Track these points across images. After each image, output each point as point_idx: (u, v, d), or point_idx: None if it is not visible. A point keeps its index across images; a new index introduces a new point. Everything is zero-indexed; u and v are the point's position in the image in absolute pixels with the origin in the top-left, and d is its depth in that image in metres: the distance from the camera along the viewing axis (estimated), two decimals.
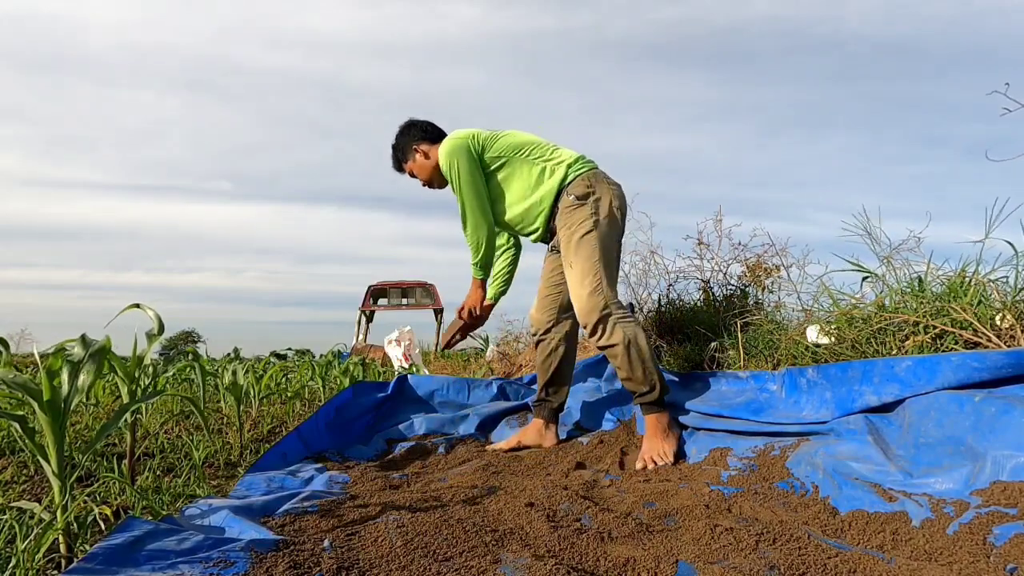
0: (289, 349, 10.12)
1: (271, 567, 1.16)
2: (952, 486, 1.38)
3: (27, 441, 1.17)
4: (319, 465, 2.47)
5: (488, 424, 3.25)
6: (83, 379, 1.31)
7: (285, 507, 1.69)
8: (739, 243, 3.74)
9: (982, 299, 1.75)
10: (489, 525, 1.51)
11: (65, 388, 1.28)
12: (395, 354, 8.24)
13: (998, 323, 1.63)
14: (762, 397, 2.30)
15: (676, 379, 2.85)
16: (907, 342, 1.84)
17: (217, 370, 4.19)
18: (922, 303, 1.86)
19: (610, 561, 1.26)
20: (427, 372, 8.33)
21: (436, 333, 17.93)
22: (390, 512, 1.56)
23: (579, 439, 2.89)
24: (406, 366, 8.13)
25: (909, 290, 2.03)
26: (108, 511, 1.47)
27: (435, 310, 18.45)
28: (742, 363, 2.69)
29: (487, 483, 2.13)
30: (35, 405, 1.20)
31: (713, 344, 2.92)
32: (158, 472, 2.34)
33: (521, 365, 6.46)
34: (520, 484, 2.02)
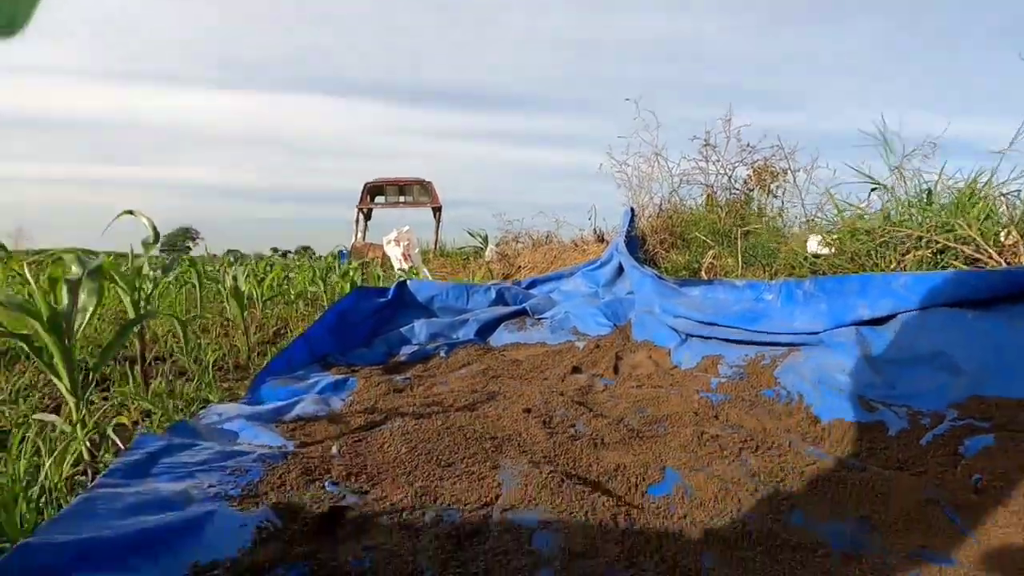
0: (288, 252, 10.09)
1: (284, 474, 1.24)
2: (932, 400, 1.45)
3: (39, 360, 1.20)
4: (325, 371, 2.57)
5: (487, 329, 3.33)
6: (83, 299, 1.31)
7: (295, 412, 1.77)
8: (747, 144, 3.62)
9: (990, 214, 1.71)
10: (488, 432, 1.59)
11: (65, 303, 1.28)
12: (394, 254, 8.26)
13: (1002, 239, 1.61)
14: (758, 307, 2.33)
15: (673, 286, 2.88)
16: (907, 256, 1.83)
17: (219, 271, 4.21)
18: (928, 216, 1.83)
19: (602, 467, 1.35)
20: (427, 273, 8.40)
21: (435, 232, 17.94)
22: (394, 418, 1.64)
23: (577, 343, 2.98)
24: (406, 267, 8.17)
25: (916, 203, 1.98)
26: (127, 420, 1.54)
27: (433, 208, 18.22)
28: (740, 272, 2.70)
29: (486, 388, 2.22)
30: (37, 325, 1.21)
31: (712, 252, 2.92)
32: (170, 377, 2.43)
33: (520, 267, 6.51)
34: (518, 389, 2.11)
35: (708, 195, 3.67)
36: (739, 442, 1.43)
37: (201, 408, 1.91)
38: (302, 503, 1.05)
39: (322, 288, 5.03)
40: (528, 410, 1.79)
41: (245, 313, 3.14)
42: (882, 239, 1.91)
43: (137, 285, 2.13)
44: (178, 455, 1.24)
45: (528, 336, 3.25)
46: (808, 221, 2.60)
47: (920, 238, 1.78)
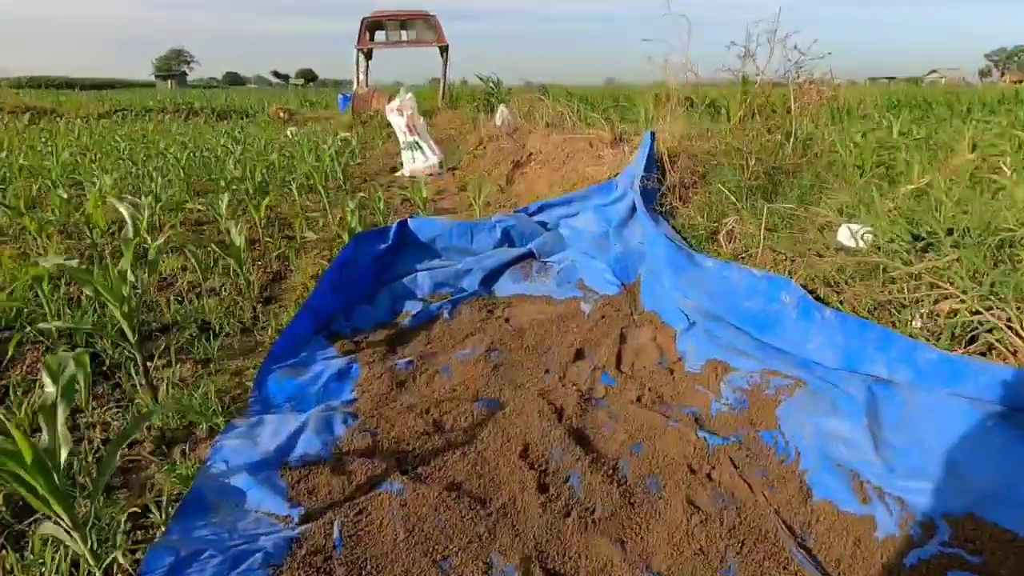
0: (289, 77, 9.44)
1: None
2: (927, 501, 1.43)
3: (32, 500, 1.22)
4: (330, 345, 2.59)
5: (491, 278, 3.25)
6: (60, 426, 1.29)
7: (298, 451, 1.83)
8: (796, 60, 3.10)
9: None
10: (484, 493, 1.65)
11: (46, 440, 1.27)
12: (398, 124, 7.76)
13: None
14: (771, 309, 2.22)
15: (687, 253, 2.71)
16: (940, 304, 1.67)
17: (219, 222, 4.00)
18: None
19: (592, 563, 1.41)
20: (433, 146, 7.95)
21: (442, 75, 16.48)
22: (393, 477, 1.68)
23: (582, 306, 2.91)
24: (410, 139, 7.73)
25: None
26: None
27: (440, 47, 16.51)
28: (760, 245, 2.51)
29: (488, 388, 2.24)
30: (23, 472, 1.21)
31: (732, 218, 2.68)
32: (174, 360, 2.46)
33: (531, 153, 6.10)
34: (519, 400, 2.12)
35: (738, 119, 3.26)
36: (726, 535, 1.46)
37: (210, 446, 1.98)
38: None
39: (322, 184, 4.83)
40: (525, 452, 1.82)
41: (244, 267, 3.07)
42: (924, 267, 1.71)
43: (126, 294, 2.06)
44: (187, 572, 1.32)
45: (533, 287, 3.18)
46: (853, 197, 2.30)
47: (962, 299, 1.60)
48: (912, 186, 2.23)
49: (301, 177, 5.39)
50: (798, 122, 3.05)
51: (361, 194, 4.87)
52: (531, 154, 6.15)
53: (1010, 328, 1.52)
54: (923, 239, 1.98)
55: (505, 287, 3.22)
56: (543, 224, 3.82)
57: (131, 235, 2.18)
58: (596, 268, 3.09)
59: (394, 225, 3.37)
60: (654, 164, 3.38)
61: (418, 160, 7.92)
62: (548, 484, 1.70)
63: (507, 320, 2.88)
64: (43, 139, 9.13)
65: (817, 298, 2.13)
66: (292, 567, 1.37)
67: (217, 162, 6.97)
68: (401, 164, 8.12)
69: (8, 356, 2.23)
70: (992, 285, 1.58)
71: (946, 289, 1.66)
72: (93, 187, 4.24)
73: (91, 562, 1.28)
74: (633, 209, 3.33)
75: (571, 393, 2.17)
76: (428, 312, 2.93)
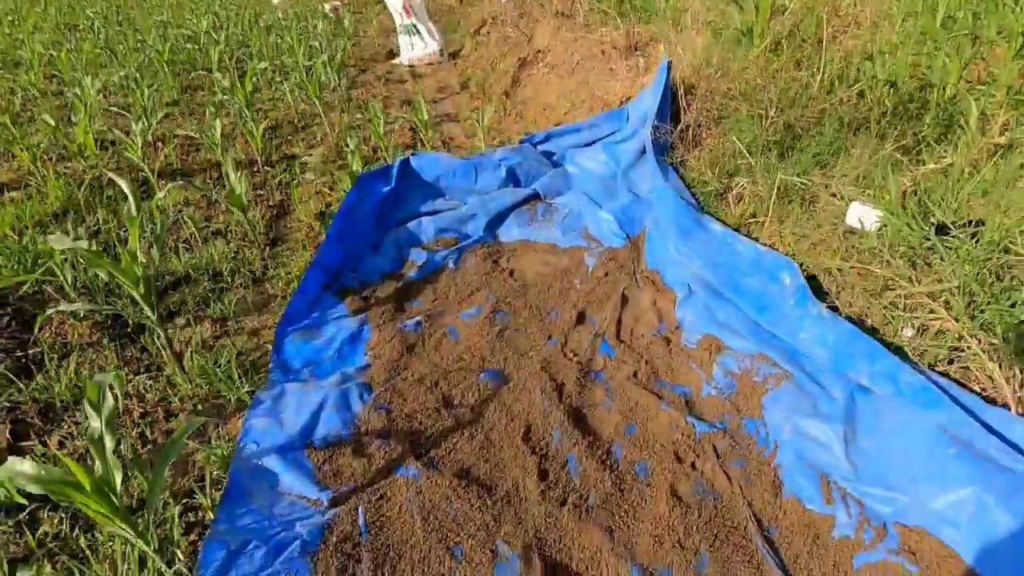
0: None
1: (325, 571, 1.55)
2: (884, 508, 1.61)
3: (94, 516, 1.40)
4: (341, 306, 2.67)
5: (496, 221, 3.23)
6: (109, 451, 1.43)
7: (320, 432, 2.00)
8: None
9: None
10: (489, 478, 1.84)
11: (100, 472, 1.42)
12: (394, 6, 7.08)
13: None
14: (771, 290, 2.26)
15: (695, 215, 2.67)
16: (932, 320, 1.71)
17: (215, 151, 3.83)
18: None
19: (583, 553, 1.64)
20: (431, 27, 7.31)
21: None
22: (408, 461, 1.87)
23: (587, 258, 2.93)
24: (407, 22, 7.10)
25: None
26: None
27: None
28: (769, 213, 2.48)
29: (493, 353, 2.37)
30: (82, 497, 1.37)
31: (743, 180, 2.60)
32: (193, 321, 2.58)
33: (539, 51, 5.64)
34: (522, 369, 2.26)
35: (762, 49, 2.98)
36: (703, 527, 1.67)
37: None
38: None
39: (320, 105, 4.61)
40: (527, 434, 1.99)
41: (249, 215, 3.05)
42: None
43: (140, 274, 2.11)
44: (239, 563, 1.55)
45: (538, 232, 3.19)
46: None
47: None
48: (933, 166, 2.14)
49: (294, 86, 5.08)
50: (829, 53, 2.80)
51: (358, 116, 4.64)
52: (539, 52, 5.70)
53: (990, 358, 1.59)
54: (929, 237, 1.96)
55: (510, 232, 3.22)
56: (549, 155, 3.71)
57: (134, 212, 2.17)
58: (602, 219, 3.06)
59: (396, 164, 3.28)
60: (668, 102, 3.19)
61: (416, 47, 7.36)
62: (548, 469, 1.89)
63: (511, 273, 2.93)
64: (9, 10, 8.43)
65: (816, 285, 2.17)
66: (326, 554, 1.60)
67: (202, 54, 6.51)
68: (398, 49, 7.56)
69: (36, 331, 2.34)
70: (983, 313, 1.62)
71: (940, 313, 1.71)
72: (79, 102, 4.05)
73: (158, 560, 1.49)
74: (642, 151, 3.21)
75: (572, 366, 2.30)
76: (434, 263, 2.97)
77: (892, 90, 3.20)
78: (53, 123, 3.74)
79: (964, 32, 3.39)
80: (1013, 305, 1.63)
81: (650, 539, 1.67)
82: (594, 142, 3.62)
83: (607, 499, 1.79)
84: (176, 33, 7.17)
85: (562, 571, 1.61)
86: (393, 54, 7.72)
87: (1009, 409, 1.57)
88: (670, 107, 3.22)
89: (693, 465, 1.88)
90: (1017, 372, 1.56)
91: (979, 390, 1.65)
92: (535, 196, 3.36)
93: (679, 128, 3.05)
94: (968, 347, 1.64)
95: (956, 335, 1.68)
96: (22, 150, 3.61)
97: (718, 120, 2.96)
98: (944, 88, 2.99)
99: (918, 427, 1.62)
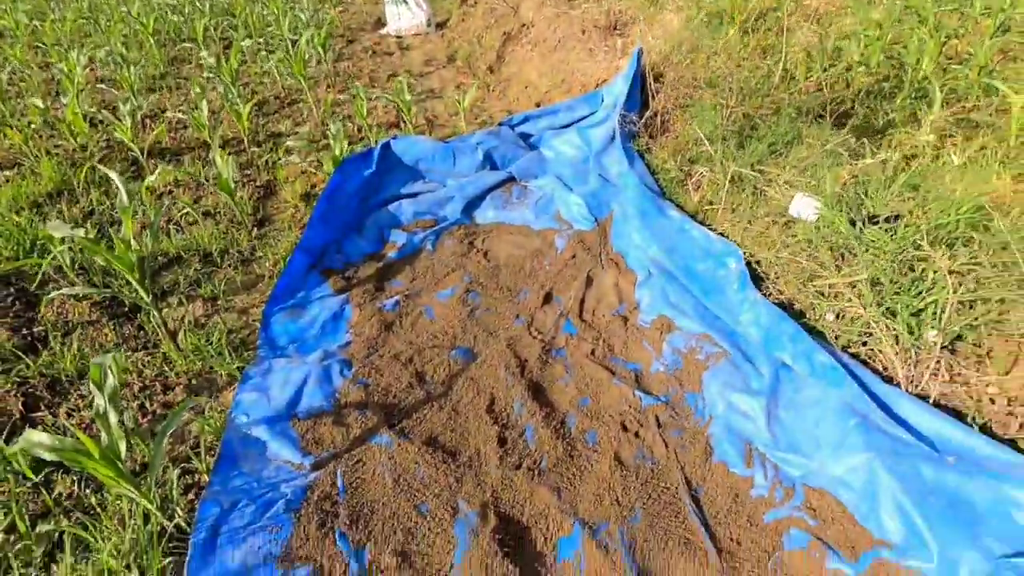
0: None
1: (306, 525, 1.78)
2: (795, 472, 1.84)
3: (103, 478, 1.61)
4: (324, 285, 2.85)
5: (472, 204, 3.39)
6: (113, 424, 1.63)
7: (304, 404, 2.21)
8: None
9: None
10: (455, 445, 2.07)
11: (105, 442, 1.63)
12: None
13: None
14: (718, 275, 2.45)
15: (658, 203, 2.84)
16: (848, 307, 1.90)
17: (204, 131, 3.92)
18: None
19: (533, 509, 1.87)
20: (422, 2, 7.25)
21: None
22: (382, 431, 2.09)
23: (557, 240, 3.11)
24: None
25: None
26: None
27: None
28: (722, 202, 2.65)
29: (465, 332, 2.57)
30: (89, 462, 1.58)
31: (702, 168, 2.76)
32: (186, 301, 2.76)
33: (524, 25, 5.66)
34: (490, 347, 2.46)
35: (729, 36, 3.09)
36: (639, 487, 1.90)
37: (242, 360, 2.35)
38: None
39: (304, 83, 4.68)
40: (491, 406, 2.21)
41: (237, 196, 3.20)
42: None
43: (134, 260, 2.28)
44: (230, 519, 1.78)
45: (513, 215, 3.35)
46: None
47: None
48: (869, 161, 2.30)
49: (278, 61, 5.12)
50: (793, 40, 2.92)
51: (343, 95, 4.71)
52: (524, 26, 5.72)
53: (891, 343, 1.79)
54: (860, 223, 2.14)
55: (486, 214, 3.38)
56: (527, 136, 3.83)
57: (125, 202, 2.32)
58: (572, 202, 3.22)
59: (378, 147, 3.41)
60: (639, 89, 3.31)
61: (404, 17, 7.31)
62: (507, 438, 2.11)
63: (486, 255, 3.11)
64: None
65: (759, 271, 2.36)
66: (308, 511, 1.83)
67: (187, 25, 6.48)
68: (386, 18, 7.51)
69: (41, 312, 2.52)
70: (888, 304, 1.81)
71: (853, 301, 1.90)
72: (67, 80, 4.12)
73: (159, 516, 1.72)
74: (613, 136, 3.35)
75: (535, 344, 2.51)
76: (413, 244, 3.14)
77: (865, 70, 3.34)
78: (42, 105, 3.82)
79: (951, 7, 3.50)
80: (919, 294, 1.82)
81: (592, 498, 1.90)
82: (570, 124, 3.75)
83: (558, 463, 2.02)
84: (160, 2, 7.10)
85: (514, 525, 1.85)
86: (381, 23, 7.68)
87: (900, 387, 1.78)
88: (640, 94, 3.34)
89: (637, 434, 2.11)
90: (913, 354, 1.77)
91: (881, 369, 1.87)
92: (511, 179, 3.51)
93: (647, 115, 3.18)
94: (874, 332, 1.84)
95: (865, 321, 1.88)
96: (13, 129, 3.71)
97: (684, 108, 3.09)
98: (919, 66, 3.12)
99: (827, 402, 1.84)
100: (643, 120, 3.17)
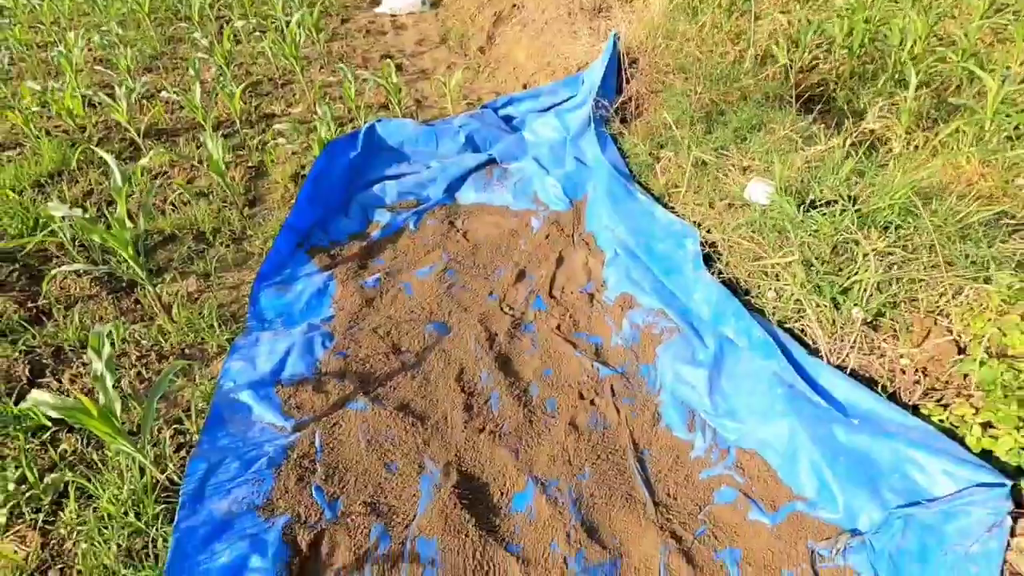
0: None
1: (286, 480, 1.98)
2: (730, 436, 2.02)
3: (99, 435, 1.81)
4: (310, 263, 3.01)
5: (454, 185, 3.53)
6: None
7: (288, 372, 2.40)
8: None
9: None
10: (423, 411, 2.25)
11: (102, 401, 1.81)
12: None
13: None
14: (677, 255, 2.60)
15: (628, 187, 2.97)
16: (785, 287, 2.05)
17: (197, 113, 4.04)
18: None
19: (493, 467, 2.06)
20: None
21: None
22: (357, 397, 2.28)
23: (533, 221, 3.25)
24: None
25: None
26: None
27: None
28: (685, 185, 2.78)
29: (440, 307, 2.74)
30: (88, 420, 1.77)
31: (668, 152, 2.88)
32: (180, 276, 2.93)
33: (515, 4, 5.70)
34: (463, 322, 2.63)
35: (702, 24, 3.18)
36: (590, 450, 2.09)
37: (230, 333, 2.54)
38: (296, 535, 1.83)
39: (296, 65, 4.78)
40: (460, 375, 2.39)
41: (228, 177, 3.35)
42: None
43: (128, 238, 2.45)
44: (217, 473, 1.97)
45: (493, 196, 3.49)
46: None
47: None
48: (821, 148, 2.42)
49: (272, 43, 5.20)
50: (764, 28, 3.01)
51: (334, 77, 4.80)
52: (515, 5, 5.77)
53: (817, 319, 1.94)
54: (810, 205, 2.28)
55: (467, 195, 3.52)
56: (510, 119, 3.95)
57: (119, 183, 2.48)
58: (549, 184, 3.36)
59: (363, 130, 3.55)
60: (614, 74, 3.41)
61: None
62: (473, 404, 2.29)
63: (465, 234, 3.26)
64: None
65: (711, 252, 2.50)
66: (288, 467, 2.03)
67: (184, 4, 6.55)
68: None
69: (44, 287, 2.69)
70: (817, 286, 1.96)
71: (789, 280, 2.04)
72: (65, 62, 4.24)
73: (153, 469, 1.92)
74: (591, 120, 3.46)
75: (505, 319, 2.67)
76: (396, 224, 3.30)
77: (848, 53, 3.42)
78: (39, 88, 3.96)
79: None
80: (845, 273, 1.97)
81: (547, 458, 2.09)
82: (551, 107, 3.86)
83: (518, 427, 2.20)
84: None
85: (474, 482, 2.04)
86: (376, 1, 7.70)
87: (823, 359, 1.94)
88: (615, 79, 3.44)
89: (592, 402, 2.28)
90: (839, 329, 1.92)
91: (810, 343, 2.02)
92: (492, 161, 3.63)
93: (621, 99, 3.29)
94: (804, 309, 2.00)
95: (797, 299, 2.03)
96: (14, 111, 3.85)
97: (656, 93, 3.20)
98: (903, 48, 3.19)
99: (760, 373, 2.01)
100: (618, 104, 3.28)
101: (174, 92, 4.37)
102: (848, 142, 2.40)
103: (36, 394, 1.75)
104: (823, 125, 2.80)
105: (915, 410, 1.73)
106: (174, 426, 2.19)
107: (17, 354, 2.45)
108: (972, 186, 2.43)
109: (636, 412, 2.23)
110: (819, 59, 3.66)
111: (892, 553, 1.55)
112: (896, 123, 2.66)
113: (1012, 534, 1.44)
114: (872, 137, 2.56)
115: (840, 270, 2.00)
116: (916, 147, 2.86)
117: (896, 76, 3.41)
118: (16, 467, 1.97)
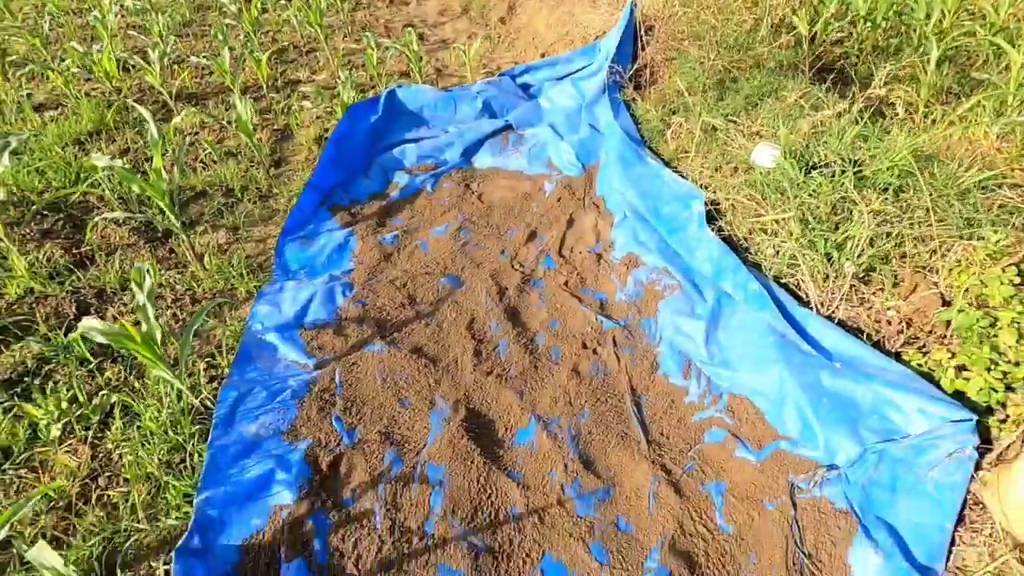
0: None
1: (308, 410, 2.15)
2: (723, 383, 2.14)
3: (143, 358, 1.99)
4: (332, 220, 3.17)
5: (471, 150, 3.64)
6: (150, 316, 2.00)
7: (310, 317, 2.57)
8: None
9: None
10: (436, 355, 2.40)
11: (144, 328, 2.00)
12: None
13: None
14: (681, 216, 2.69)
15: (638, 152, 3.05)
16: (782, 243, 2.14)
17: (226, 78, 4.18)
18: None
19: (499, 406, 2.21)
20: None
21: None
22: (374, 341, 2.44)
23: (546, 185, 3.36)
24: None
25: None
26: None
27: None
28: (694, 151, 2.85)
29: (454, 263, 2.88)
30: (134, 346, 1.96)
31: (680, 119, 2.95)
32: (211, 229, 3.11)
33: None
34: (475, 276, 2.77)
35: None
36: (590, 393, 2.22)
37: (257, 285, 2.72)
38: (317, 456, 2.00)
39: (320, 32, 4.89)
40: (471, 324, 2.53)
41: (256, 138, 3.50)
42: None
43: (165, 188, 2.62)
44: (246, 401, 2.16)
45: (508, 161, 3.59)
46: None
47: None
48: (828, 113, 2.47)
49: (297, 11, 5.31)
50: None
51: (357, 44, 4.89)
52: None
53: (810, 273, 2.03)
54: (811, 168, 2.35)
55: (483, 159, 3.63)
56: (527, 87, 4.02)
57: (156, 136, 2.64)
58: (563, 149, 3.45)
59: (383, 95, 3.66)
60: (630, 42, 3.46)
61: None
62: (482, 350, 2.44)
63: (480, 197, 3.38)
64: None
65: (715, 213, 2.59)
66: (310, 399, 2.20)
67: None
68: None
69: (88, 235, 2.89)
70: (811, 241, 2.04)
71: (786, 237, 2.13)
72: (101, 27, 4.41)
73: (188, 394, 2.11)
74: (605, 87, 3.53)
75: (515, 275, 2.80)
76: (414, 185, 3.43)
77: (871, 26, 3.41)
78: (81, 49, 4.14)
79: None
80: (840, 229, 2.05)
81: (549, 400, 2.23)
82: (568, 76, 3.92)
83: (523, 372, 2.34)
84: None
85: (481, 418, 2.19)
86: None
87: (812, 309, 2.03)
88: (631, 46, 3.49)
89: (595, 351, 2.41)
90: (831, 282, 2.01)
91: (803, 296, 2.12)
92: (508, 127, 3.73)
93: (635, 67, 3.35)
94: (799, 263, 2.08)
95: (792, 253, 2.12)
96: (55, 72, 4.05)
97: (670, 60, 3.25)
98: (929, 22, 3.18)
99: (753, 324, 2.11)
100: (632, 72, 3.34)
101: (203, 57, 4.52)
102: (856, 108, 2.45)
103: (87, 321, 1.93)
104: (836, 95, 2.84)
105: (897, 357, 1.82)
106: (207, 359, 2.37)
107: (64, 294, 2.66)
108: (984, 158, 2.45)
109: (636, 361, 2.35)
110: (842, 31, 3.66)
111: (865, 485, 1.67)
112: (905, 91, 2.69)
113: (977, 468, 1.54)
114: (879, 102, 2.60)
115: (836, 228, 2.08)
116: (933, 120, 2.88)
117: (920, 51, 3.39)
118: (67, 388, 2.18)
